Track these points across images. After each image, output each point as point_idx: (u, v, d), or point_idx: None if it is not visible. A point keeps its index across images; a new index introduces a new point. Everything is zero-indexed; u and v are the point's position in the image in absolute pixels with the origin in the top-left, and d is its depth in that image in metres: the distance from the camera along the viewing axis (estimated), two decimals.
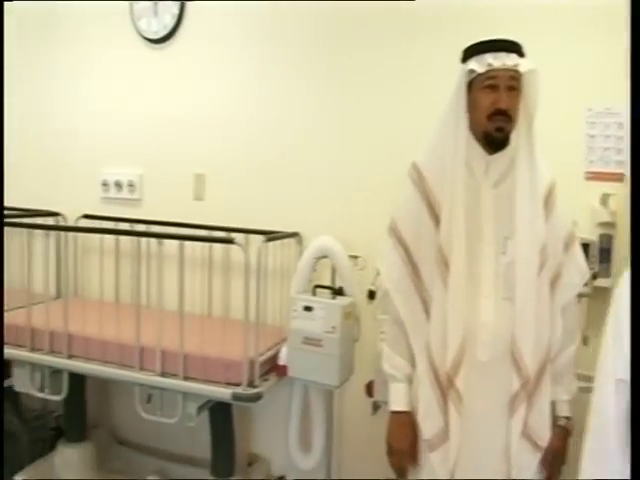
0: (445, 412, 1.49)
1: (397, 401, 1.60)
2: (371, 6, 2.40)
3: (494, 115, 1.45)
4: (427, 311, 1.54)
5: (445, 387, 1.48)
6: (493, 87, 1.45)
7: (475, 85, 1.47)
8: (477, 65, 1.45)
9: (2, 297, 2.20)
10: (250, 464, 2.71)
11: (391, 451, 1.61)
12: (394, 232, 1.60)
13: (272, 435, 2.71)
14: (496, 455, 1.50)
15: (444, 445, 1.49)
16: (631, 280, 1.46)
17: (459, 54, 1.53)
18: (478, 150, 1.51)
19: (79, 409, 2.75)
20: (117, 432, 3.03)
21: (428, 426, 1.52)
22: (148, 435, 2.89)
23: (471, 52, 1.48)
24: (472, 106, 1.49)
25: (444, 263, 1.49)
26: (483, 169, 1.52)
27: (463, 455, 1.47)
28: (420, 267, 1.56)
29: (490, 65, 1.43)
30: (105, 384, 2.89)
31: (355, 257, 2.35)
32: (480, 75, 1.45)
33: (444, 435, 1.49)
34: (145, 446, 2.92)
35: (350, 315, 2.23)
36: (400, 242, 1.59)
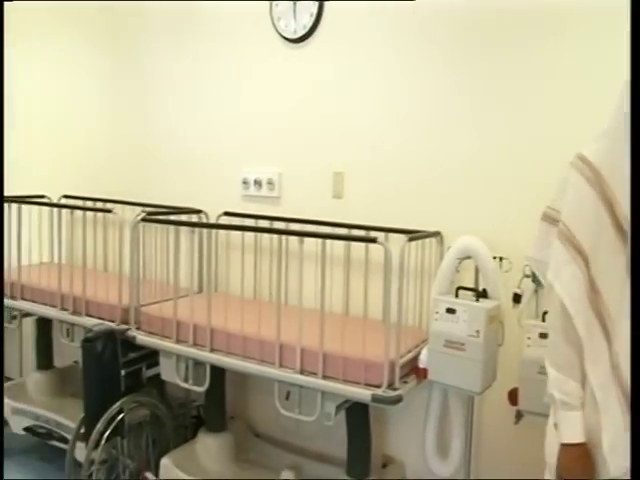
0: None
1: (572, 432, 1.42)
2: (519, 4, 2.27)
3: None
4: (605, 329, 1.39)
5: None
6: None
7: None
8: None
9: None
10: (384, 466, 2.67)
11: None
12: (569, 240, 1.42)
13: (407, 438, 2.65)
14: None
15: None
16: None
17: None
18: None
19: (219, 400, 2.84)
20: (254, 425, 3.11)
21: (618, 461, 1.34)
22: (284, 430, 2.93)
23: None
24: None
25: None
26: None
27: None
28: (597, 280, 1.40)
29: None
30: (244, 377, 2.97)
31: (500, 259, 2.24)
32: None
33: None
34: (280, 440, 2.97)
35: (495, 319, 2.12)
36: (578, 251, 1.41)
